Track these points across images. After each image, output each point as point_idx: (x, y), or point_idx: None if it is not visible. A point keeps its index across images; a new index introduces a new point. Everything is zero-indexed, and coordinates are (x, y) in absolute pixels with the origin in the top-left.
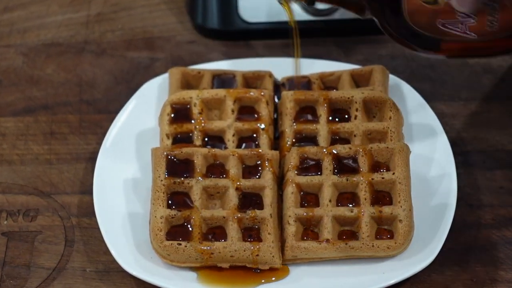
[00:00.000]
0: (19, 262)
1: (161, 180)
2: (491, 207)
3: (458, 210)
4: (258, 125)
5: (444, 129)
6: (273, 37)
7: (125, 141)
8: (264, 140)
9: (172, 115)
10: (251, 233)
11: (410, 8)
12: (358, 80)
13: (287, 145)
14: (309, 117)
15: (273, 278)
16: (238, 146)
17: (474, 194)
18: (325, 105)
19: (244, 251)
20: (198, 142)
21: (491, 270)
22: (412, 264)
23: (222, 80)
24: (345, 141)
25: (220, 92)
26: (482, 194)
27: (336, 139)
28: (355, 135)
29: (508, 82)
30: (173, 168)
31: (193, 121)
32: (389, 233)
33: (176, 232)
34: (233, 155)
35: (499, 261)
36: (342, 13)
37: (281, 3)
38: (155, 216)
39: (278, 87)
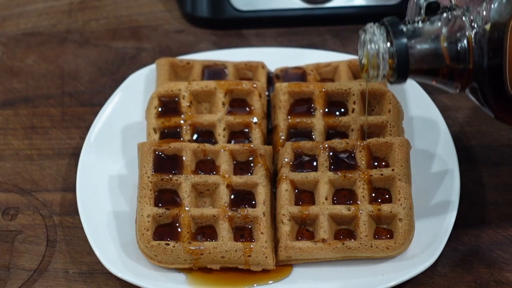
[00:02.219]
0: None
1: (148, 177)
2: (496, 205)
3: (461, 208)
4: (251, 118)
5: (447, 122)
6: (266, 26)
7: (110, 136)
8: (256, 135)
9: (160, 109)
10: (243, 232)
11: None
12: (356, 71)
13: (281, 140)
14: (304, 110)
15: (270, 282)
16: (229, 141)
17: (478, 192)
18: (321, 97)
19: (236, 251)
20: (187, 136)
21: (496, 271)
22: (413, 266)
23: (213, 71)
24: (342, 135)
25: (210, 84)
26: (487, 192)
27: (333, 133)
28: (352, 129)
29: None
30: (161, 164)
31: (181, 115)
32: (388, 233)
33: (164, 231)
34: (224, 150)
35: (505, 262)
36: (338, 1)
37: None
38: (142, 215)
39: (271, 78)
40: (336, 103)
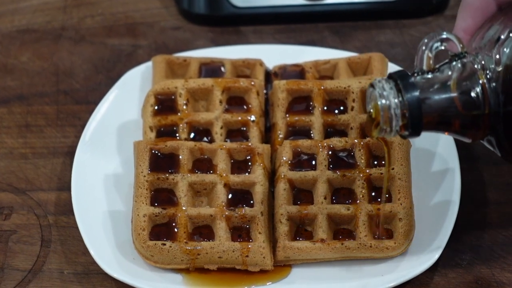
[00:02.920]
0: None
1: (144, 176)
2: (497, 205)
3: (462, 208)
4: (248, 117)
5: None
6: (265, 22)
7: (105, 134)
8: (254, 133)
9: (156, 107)
10: (240, 232)
11: None
12: (355, 69)
13: (279, 138)
14: (303, 108)
15: (268, 283)
16: (227, 139)
17: (479, 191)
18: (320, 95)
19: (233, 251)
20: (183, 135)
21: (498, 272)
22: (413, 266)
23: (210, 68)
24: (341, 133)
25: (208, 82)
26: (488, 191)
27: (332, 131)
28: (351, 128)
29: None
30: (157, 163)
31: (178, 113)
32: (388, 233)
33: (160, 231)
34: (221, 149)
35: (506, 263)
36: None
37: (377, 139)
38: (138, 214)
39: (269, 76)
40: (335, 101)
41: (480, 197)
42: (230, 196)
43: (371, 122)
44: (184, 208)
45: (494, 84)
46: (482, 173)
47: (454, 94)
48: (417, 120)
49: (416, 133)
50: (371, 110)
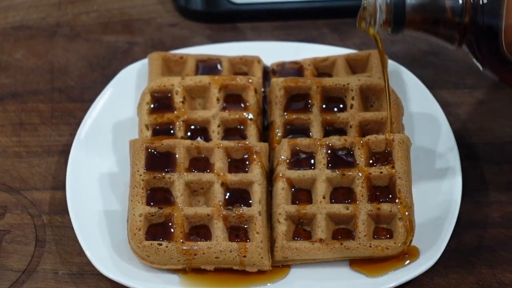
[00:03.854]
0: None
1: (140, 175)
2: (499, 204)
3: (464, 207)
4: (246, 115)
5: (448, 119)
6: (262, 19)
7: (101, 133)
8: (252, 132)
9: (152, 104)
10: (238, 232)
11: (509, 40)
12: (354, 66)
13: (277, 137)
14: (301, 106)
15: (268, 284)
16: (224, 138)
17: (480, 190)
18: (318, 93)
19: (230, 252)
20: (180, 133)
21: (499, 272)
22: (413, 267)
23: (207, 66)
24: (340, 132)
25: (204, 79)
26: (490, 190)
27: (330, 130)
28: (351, 126)
29: None
30: (153, 161)
31: (175, 111)
32: (388, 233)
33: (156, 231)
34: (219, 147)
35: (508, 263)
36: None
37: (366, 31)
38: (134, 214)
39: (267, 73)
40: (334, 99)
41: (481, 197)
42: (227, 195)
43: (361, 15)
44: (180, 207)
45: None
46: (483, 172)
47: None
48: (400, 13)
49: (399, 27)
50: (364, 4)
